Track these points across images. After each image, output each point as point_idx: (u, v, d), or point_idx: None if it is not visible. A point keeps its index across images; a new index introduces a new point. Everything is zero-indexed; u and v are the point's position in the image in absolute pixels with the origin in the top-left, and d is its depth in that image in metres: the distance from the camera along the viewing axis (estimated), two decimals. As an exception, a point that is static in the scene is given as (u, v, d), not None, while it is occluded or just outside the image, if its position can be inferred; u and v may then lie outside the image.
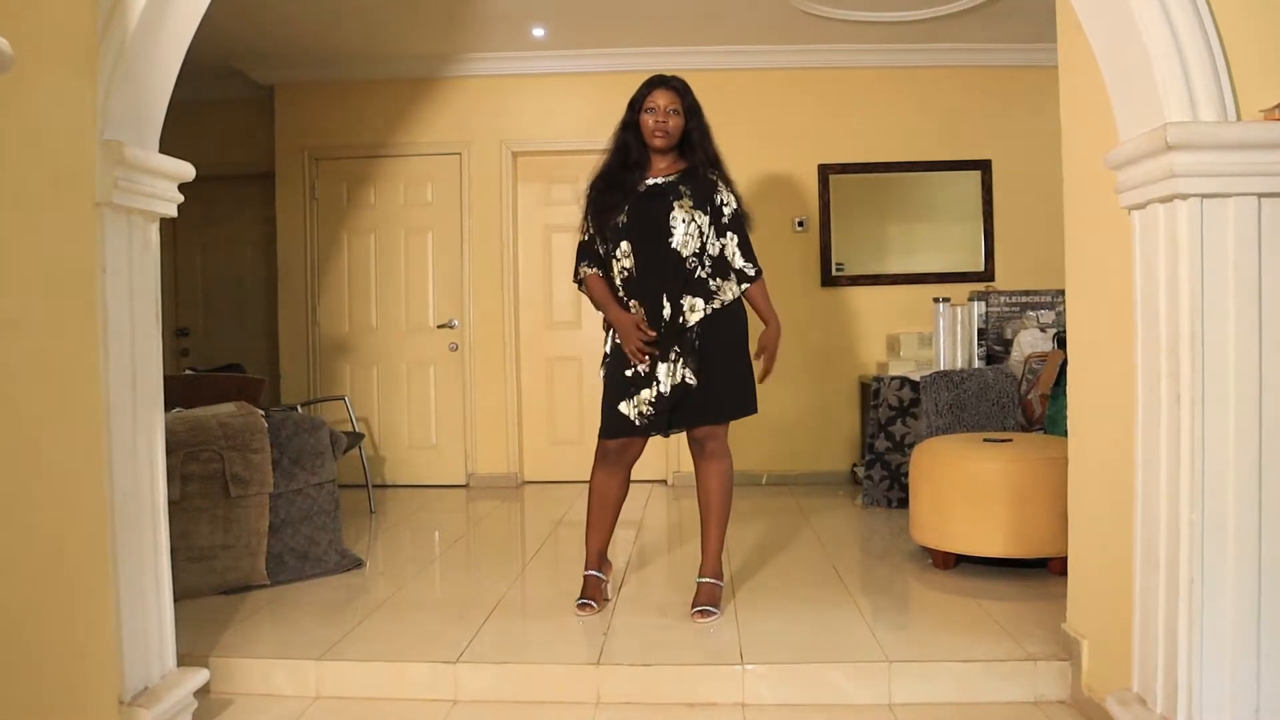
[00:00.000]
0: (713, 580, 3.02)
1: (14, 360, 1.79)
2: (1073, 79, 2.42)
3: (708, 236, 2.97)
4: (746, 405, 3.01)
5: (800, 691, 2.49)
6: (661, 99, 2.98)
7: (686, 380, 2.91)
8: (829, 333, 5.62)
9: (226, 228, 6.22)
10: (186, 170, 2.34)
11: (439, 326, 5.78)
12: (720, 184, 3.03)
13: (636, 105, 3.03)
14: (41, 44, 1.85)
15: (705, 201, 2.97)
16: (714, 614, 2.93)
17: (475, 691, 2.55)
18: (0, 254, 1.74)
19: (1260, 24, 1.88)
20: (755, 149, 5.61)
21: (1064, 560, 2.61)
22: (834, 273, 5.64)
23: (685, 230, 2.92)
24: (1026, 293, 5.09)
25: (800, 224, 5.63)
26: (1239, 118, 1.87)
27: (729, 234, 3.01)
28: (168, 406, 2.96)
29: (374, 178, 5.81)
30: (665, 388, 2.91)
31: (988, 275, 5.61)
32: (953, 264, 5.67)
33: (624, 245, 2.97)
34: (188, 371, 5.15)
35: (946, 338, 5.02)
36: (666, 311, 2.92)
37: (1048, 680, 2.46)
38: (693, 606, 2.95)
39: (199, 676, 2.37)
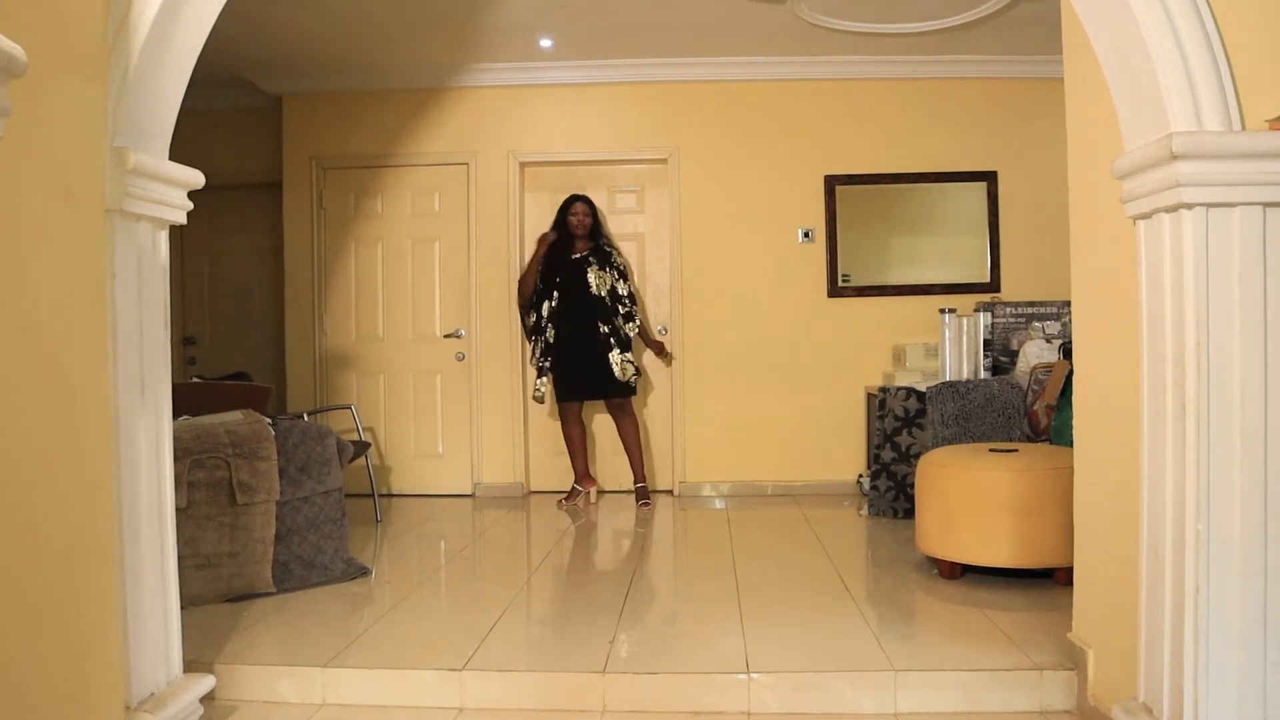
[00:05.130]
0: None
1: (24, 365, 1.80)
2: (1078, 89, 2.43)
3: (616, 284, 5.27)
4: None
5: (806, 700, 2.49)
6: (579, 208, 5.28)
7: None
8: (835, 343, 5.62)
9: (234, 237, 6.26)
10: (196, 178, 2.36)
11: (446, 336, 5.80)
12: (614, 252, 5.37)
13: (563, 211, 5.33)
14: (53, 50, 1.87)
15: (607, 263, 5.28)
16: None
17: (481, 699, 2.55)
18: (10, 259, 1.75)
19: (1265, 34, 1.89)
20: (761, 159, 5.64)
21: (1070, 570, 2.60)
22: (840, 283, 5.64)
23: (596, 282, 5.22)
24: (1032, 304, 5.09)
25: (806, 234, 5.64)
26: (1244, 127, 1.87)
27: (622, 280, 5.31)
28: (175, 414, 2.98)
29: (381, 187, 5.84)
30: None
31: (993, 286, 5.61)
32: (958, 275, 5.67)
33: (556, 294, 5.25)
34: (195, 379, 5.17)
35: (952, 348, 5.03)
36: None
37: (1054, 690, 2.46)
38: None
39: (205, 683, 2.37)
